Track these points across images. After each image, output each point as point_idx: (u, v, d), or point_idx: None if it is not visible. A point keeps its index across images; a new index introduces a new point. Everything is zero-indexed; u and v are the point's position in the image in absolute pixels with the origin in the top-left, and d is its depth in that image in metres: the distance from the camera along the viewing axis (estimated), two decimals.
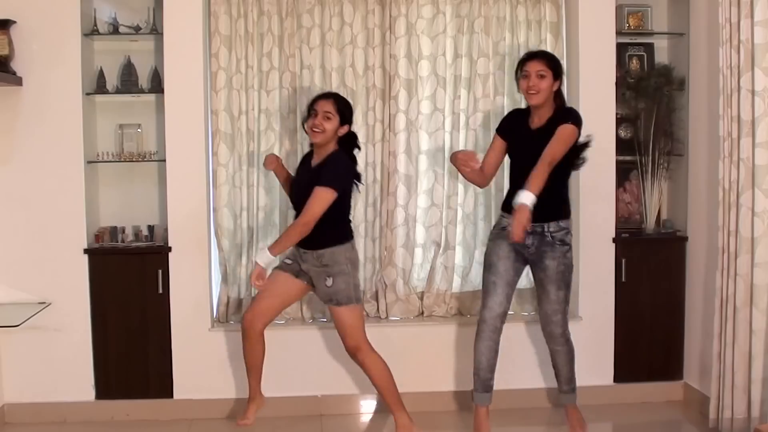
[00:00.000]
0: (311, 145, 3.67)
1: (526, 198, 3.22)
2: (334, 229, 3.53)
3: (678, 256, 4.28)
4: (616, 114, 4.26)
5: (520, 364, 4.22)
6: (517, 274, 3.68)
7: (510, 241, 3.37)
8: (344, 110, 3.55)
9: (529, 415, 4.15)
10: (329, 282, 3.52)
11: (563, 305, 3.63)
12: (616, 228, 4.25)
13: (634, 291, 4.25)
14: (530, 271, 3.73)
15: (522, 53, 4.23)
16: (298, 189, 3.62)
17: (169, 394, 4.14)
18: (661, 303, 4.28)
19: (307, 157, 3.69)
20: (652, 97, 4.27)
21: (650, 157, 4.27)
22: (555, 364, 3.77)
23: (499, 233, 3.64)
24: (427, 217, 4.33)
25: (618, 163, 4.25)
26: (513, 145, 3.67)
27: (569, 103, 4.26)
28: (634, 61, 4.41)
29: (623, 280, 4.23)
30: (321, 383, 4.13)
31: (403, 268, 4.32)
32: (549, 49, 4.24)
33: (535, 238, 3.55)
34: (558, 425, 4.00)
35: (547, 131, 3.48)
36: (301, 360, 4.14)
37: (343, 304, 3.55)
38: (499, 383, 4.09)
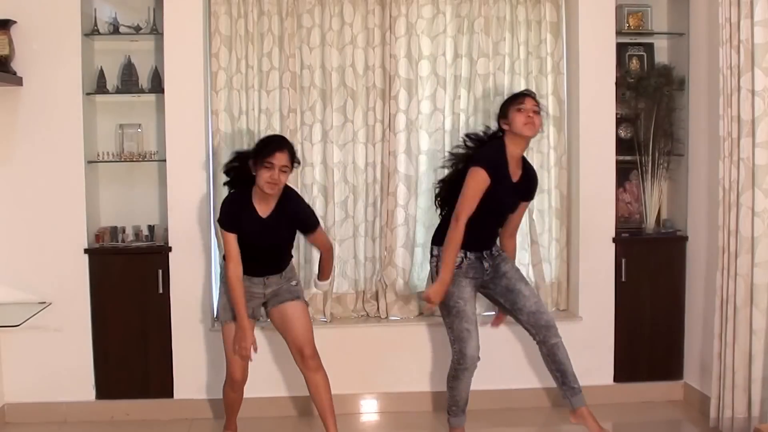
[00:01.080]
0: (249, 190, 3.53)
1: None
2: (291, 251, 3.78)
3: (678, 256, 4.28)
4: (616, 114, 4.26)
5: (517, 364, 4.23)
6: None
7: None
8: (294, 157, 3.51)
9: (528, 415, 4.15)
10: (293, 283, 3.70)
11: (540, 297, 3.64)
12: (616, 228, 4.25)
13: (634, 291, 4.25)
14: (488, 294, 3.68)
15: (522, 53, 4.26)
16: (267, 237, 3.54)
17: (169, 394, 4.14)
18: (661, 303, 4.28)
19: (244, 204, 3.52)
20: (652, 97, 4.27)
21: (650, 157, 4.27)
22: (558, 362, 3.56)
23: (458, 272, 3.52)
24: (427, 217, 4.33)
25: (618, 163, 4.25)
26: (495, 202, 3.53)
27: (569, 104, 4.29)
28: (634, 61, 4.41)
29: (623, 280, 4.23)
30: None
31: (403, 268, 4.32)
32: (549, 49, 4.26)
33: (488, 261, 3.60)
34: (557, 425, 4.00)
35: (523, 179, 3.61)
36: None
37: (302, 299, 3.71)
38: (496, 383, 4.11)
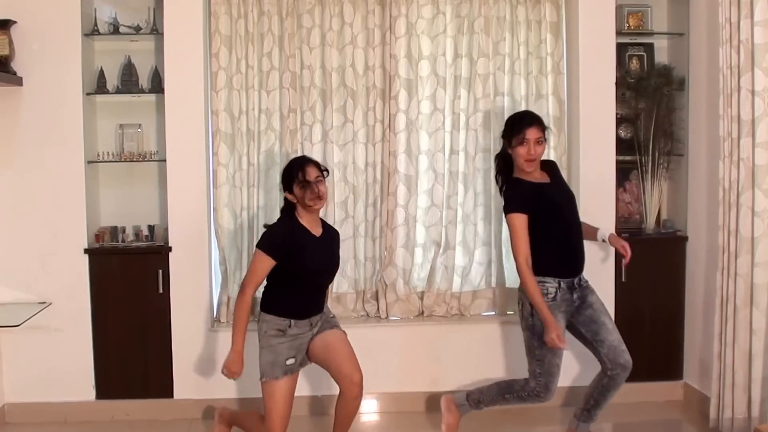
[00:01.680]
0: (298, 210, 3.42)
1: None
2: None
3: (678, 256, 4.28)
4: (616, 114, 4.26)
5: (521, 363, 4.22)
6: None
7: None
8: (320, 166, 3.44)
9: (532, 415, 4.14)
10: (331, 315, 3.64)
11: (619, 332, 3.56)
12: (616, 228, 4.25)
13: (634, 291, 4.25)
14: (569, 322, 3.56)
15: (522, 53, 4.26)
16: (325, 256, 3.47)
17: (169, 394, 4.14)
18: (661, 303, 4.29)
19: (297, 227, 3.40)
20: (652, 97, 4.27)
21: (650, 157, 4.28)
22: (604, 396, 3.57)
23: (552, 305, 3.41)
24: (427, 217, 4.33)
25: (618, 163, 4.25)
26: (552, 209, 3.49)
27: (569, 104, 4.29)
28: (634, 61, 4.41)
29: (623, 280, 4.23)
30: (321, 383, 4.13)
31: (404, 268, 4.32)
32: (549, 49, 4.25)
33: (577, 291, 3.52)
34: (560, 425, 4.00)
35: (555, 179, 3.58)
36: None
37: (340, 328, 3.61)
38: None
